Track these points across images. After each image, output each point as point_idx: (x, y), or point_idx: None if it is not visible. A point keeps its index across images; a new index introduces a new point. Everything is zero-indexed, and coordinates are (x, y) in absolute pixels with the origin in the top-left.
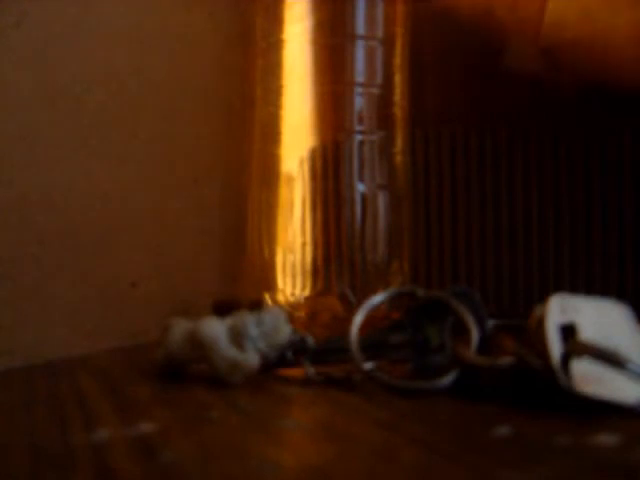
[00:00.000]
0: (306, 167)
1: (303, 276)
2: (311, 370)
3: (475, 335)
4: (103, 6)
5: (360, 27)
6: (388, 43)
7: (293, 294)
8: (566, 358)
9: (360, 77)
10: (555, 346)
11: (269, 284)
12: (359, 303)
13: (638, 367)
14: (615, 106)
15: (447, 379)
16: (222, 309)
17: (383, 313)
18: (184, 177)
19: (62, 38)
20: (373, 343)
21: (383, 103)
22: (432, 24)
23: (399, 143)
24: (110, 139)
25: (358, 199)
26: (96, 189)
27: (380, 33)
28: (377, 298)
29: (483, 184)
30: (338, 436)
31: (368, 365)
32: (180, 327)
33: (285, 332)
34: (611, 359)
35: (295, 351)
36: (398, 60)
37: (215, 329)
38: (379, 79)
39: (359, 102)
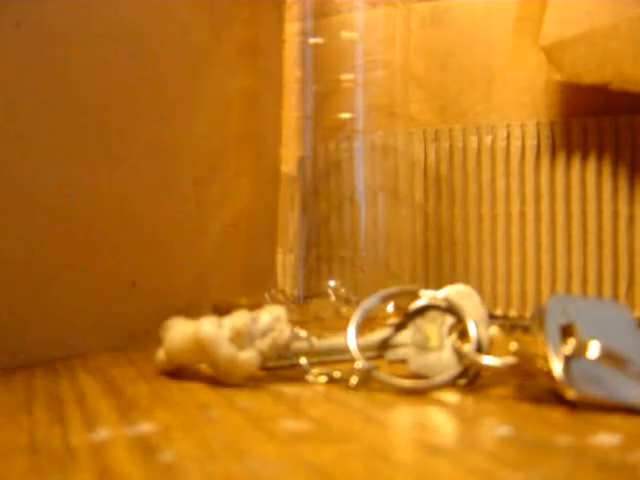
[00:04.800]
0: (306, 167)
1: (303, 276)
2: (311, 370)
3: (475, 335)
4: (103, 6)
5: (360, 27)
6: (388, 43)
7: (293, 294)
8: (566, 358)
9: (360, 77)
10: (555, 346)
11: (269, 284)
12: (359, 303)
13: (639, 367)
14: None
15: (447, 379)
16: (222, 309)
17: (383, 313)
18: (183, 177)
19: (62, 38)
20: (373, 343)
21: (383, 103)
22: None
23: (399, 143)
24: (110, 139)
25: (358, 199)
26: (96, 189)
27: (380, 33)
28: (377, 298)
29: (480, 183)
30: (338, 436)
31: (368, 365)
32: (180, 327)
33: (285, 332)
34: (612, 359)
35: (295, 351)
36: (398, 60)
37: (215, 329)
38: (379, 79)
39: (359, 102)
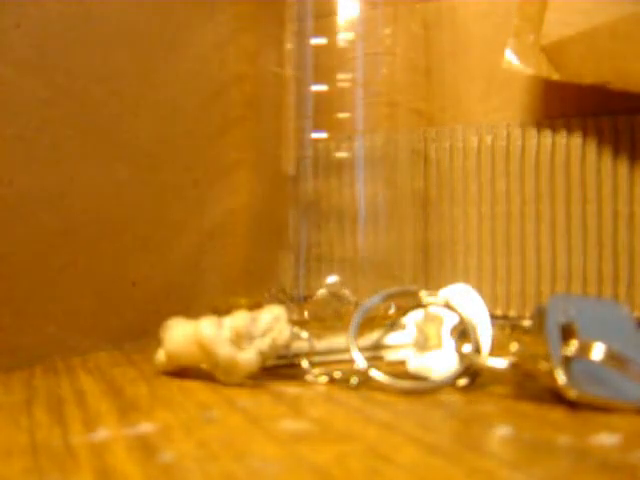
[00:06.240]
0: (306, 167)
1: (303, 276)
2: (311, 370)
3: (476, 335)
4: (103, 6)
5: (360, 27)
6: (388, 43)
7: (293, 294)
8: (567, 358)
9: (360, 77)
10: (555, 346)
11: (269, 284)
12: (359, 303)
13: (639, 367)
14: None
15: (447, 379)
16: (222, 309)
17: (383, 313)
18: (184, 177)
19: (62, 38)
20: (373, 343)
21: (383, 103)
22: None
23: (399, 143)
24: (110, 139)
25: (358, 199)
26: (96, 189)
27: (380, 33)
28: (377, 298)
29: (480, 183)
30: (338, 436)
31: (368, 365)
32: (180, 327)
33: (285, 332)
34: (614, 360)
35: (295, 351)
36: (401, 60)
37: (215, 329)
38: (380, 78)
39: (359, 101)
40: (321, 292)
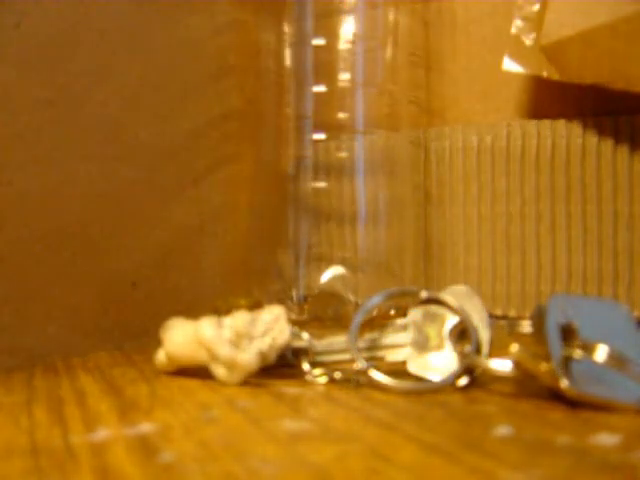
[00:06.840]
0: (306, 167)
1: (303, 276)
2: (311, 370)
3: (475, 336)
4: (103, 6)
5: (360, 27)
6: (388, 43)
7: (292, 294)
8: (567, 358)
9: (360, 77)
10: (556, 346)
11: (269, 284)
12: (359, 303)
13: (639, 367)
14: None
15: (447, 379)
16: (222, 309)
17: (383, 313)
18: (184, 177)
19: (62, 38)
20: (373, 343)
21: (383, 103)
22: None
23: (399, 143)
24: (110, 139)
25: (358, 199)
26: (96, 189)
27: (380, 33)
28: (377, 298)
29: (480, 183)
30: (338, 436)
31: (368, 365)
32: (180, 327)
33: (285, 332)
34: (616, 360)
35: (295, 351)
36: (400, 60)
37: (215, 329)
38: (380, 78)
39: (359, 102)
40: (321, 286)
